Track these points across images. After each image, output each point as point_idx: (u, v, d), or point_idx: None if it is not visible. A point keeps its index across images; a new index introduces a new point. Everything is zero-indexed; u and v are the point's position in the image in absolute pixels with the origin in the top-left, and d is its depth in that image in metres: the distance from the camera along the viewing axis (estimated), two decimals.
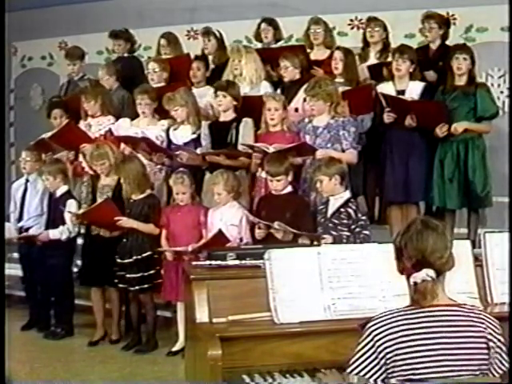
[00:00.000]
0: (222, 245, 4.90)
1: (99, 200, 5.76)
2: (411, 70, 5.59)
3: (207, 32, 6.81)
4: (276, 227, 4.93)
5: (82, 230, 5.90)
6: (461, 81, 5.46)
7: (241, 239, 5.22)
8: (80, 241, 6.01)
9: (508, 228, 5.07)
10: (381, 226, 5.81)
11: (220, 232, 5.12)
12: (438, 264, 2.44)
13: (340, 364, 2.84)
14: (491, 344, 2.42)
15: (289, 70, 5.92)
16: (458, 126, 5.38)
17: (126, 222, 5.51)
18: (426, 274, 2.41)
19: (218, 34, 6.77)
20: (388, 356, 2.40)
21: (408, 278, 2.47)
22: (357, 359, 2.45)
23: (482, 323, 2.44)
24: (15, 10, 7.84)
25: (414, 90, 5.60)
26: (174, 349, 5.43)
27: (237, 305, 3.15)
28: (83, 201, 5.94)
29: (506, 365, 2.43)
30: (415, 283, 2.43)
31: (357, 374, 2.44)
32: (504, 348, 2.44)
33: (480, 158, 5.46)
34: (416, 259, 2.44)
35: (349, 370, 2.47)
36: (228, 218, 5.28)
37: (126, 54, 7.09)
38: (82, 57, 7.15)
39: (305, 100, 5.76)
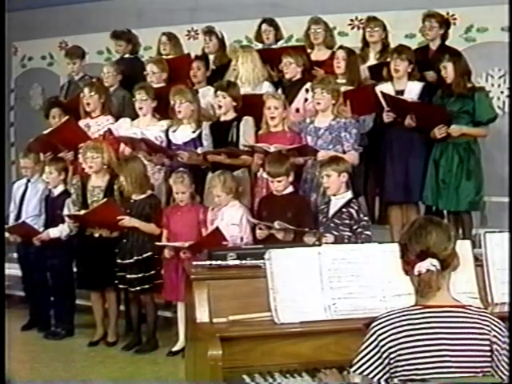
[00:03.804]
0: (219, 242, 4.89)
1: (90, 202, 5.74)
2: (409, 70, 5.60)
3: (209, 31, 6.80)
4: (276, 227, 4.93)
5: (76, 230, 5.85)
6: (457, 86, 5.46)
7: (241, 238, 5.22)
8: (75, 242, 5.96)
9: (508, 228, 5.06)
10: (381, 226, 5.81)
11: (217, 229, 5.13)
12: (442, 255, 2.44)
13: (341, 364, 2.84)
14: (495, 347, 2.41)
15: (291, 67, 5.91)
16: (455, 130, 5.38)
17: (128, 221, 5.50)
18: (431, 263, 2.42)
19: (219, 35, 6.77)
20: (392, 356, 2.40)
21: (412, 274, 2.47)
22: (361, 358, 2.45)
23: (487, 326, 2.43)
24: (15, 10, 7.84)
25: (412, 90, 5.60)
26: (175, 349, 5.44)
27: (237, 305, 3.15)
28: (73, 203, 5.85)
29: None
30: (419, 273, 2.43)
31: (360, 373, 2.44)
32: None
33: (475, 163, 5.45)
34: (420, 250, 2.44)
35: (352, 369, 2.48)
36: (229, 217, 5.29)
37: (127, 55, 7.09)
38: (83, 56, 7.13)
39: (306, 100, 5.76)
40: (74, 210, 5.81)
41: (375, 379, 2.42)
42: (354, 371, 2.46)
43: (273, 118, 5.45)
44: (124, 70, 6.76)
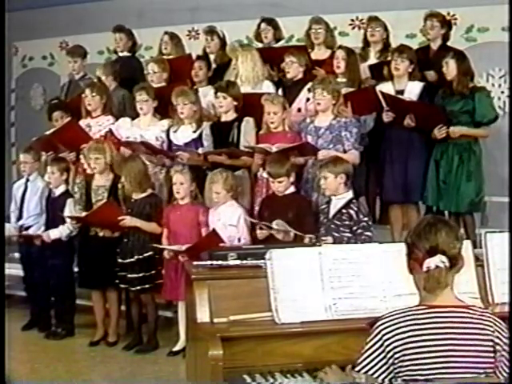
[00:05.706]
0: (216, 245, 4.86)
1: (94, 201, 5.74)
2: (410, 70, 5.60)
3: (211, 31, 6.81)
4: (275, 227, 4.92)
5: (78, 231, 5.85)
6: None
7: (239, 239, 5.20)
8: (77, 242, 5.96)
9: (508, 228, 5.06)
10: (382, 226, 5.81)
11: (214, 232, 5.12)
12: (451, 253, 2.45)
13: (341, 364, 2.84)
14: (498, 347, 2.42)
15: (293, 67, 5.89)
16: (455, 131, 5.38)
17: (129, 221, 5.49)
18: (440, 259, 2.43)
19: (221, 34, 6.78)
20: (396, 355, 2.40)
21: (417, 273, 2.48)
22: (365, 358, 2.45)
23: (490, 326, 2.44)
24: (15, 10, 7.85)
25: (412, 90, 5.60)
26: (175, 349, 5.43)
27: (238, 305, 3.15)
28: (77, 202, 5.87)
29: None
30: (428, 269, 2.43)
31: (365, 372, 2.45)
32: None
33: (475, 164, 5.45)
34: (430, 246, 2.45)
35: (357, 368, 2.48)
36: (226, 218, 5.28)
37: (126, 53, 7.09)
38: (84, 55, 7.14)
39: (308, 100, 5.75)
40: (77, 210, 5.82)
41: (379, 379, 2.43)
42: (358, 371, 2.47)
43: (272, 122, 5.46)
44: (121, 69, 6.76)
